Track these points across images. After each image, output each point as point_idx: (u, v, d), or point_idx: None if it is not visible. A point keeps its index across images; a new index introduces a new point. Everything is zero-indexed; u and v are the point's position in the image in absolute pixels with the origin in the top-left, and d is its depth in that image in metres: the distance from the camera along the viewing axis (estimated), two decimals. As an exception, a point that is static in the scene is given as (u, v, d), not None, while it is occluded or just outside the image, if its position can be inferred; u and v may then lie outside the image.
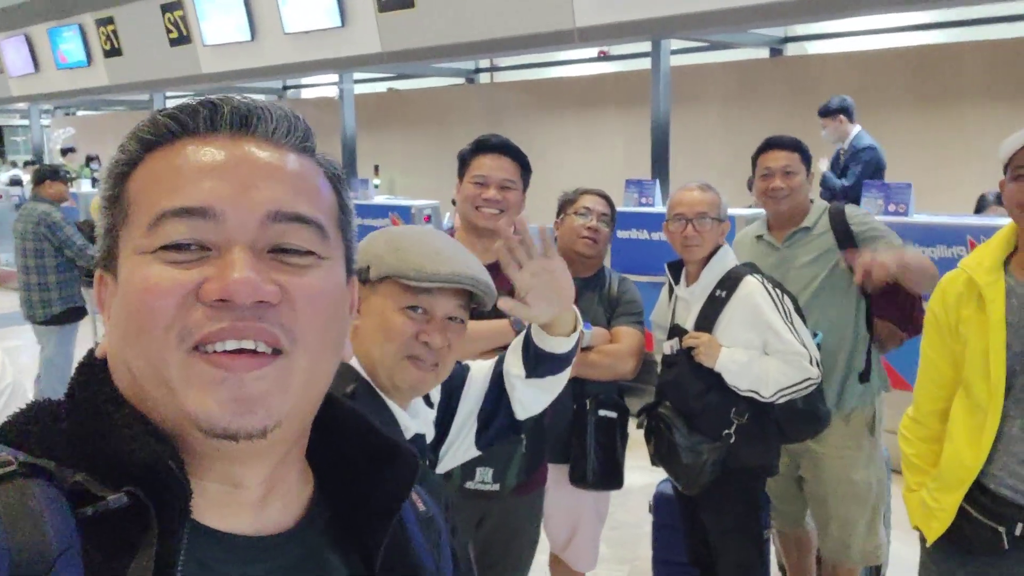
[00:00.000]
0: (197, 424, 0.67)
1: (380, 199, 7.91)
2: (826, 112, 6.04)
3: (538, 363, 1.70)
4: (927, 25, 8.18)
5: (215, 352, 0.66)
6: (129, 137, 0.74)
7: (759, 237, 3.21)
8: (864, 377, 3.09)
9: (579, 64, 10.80)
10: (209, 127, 0.72)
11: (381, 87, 12.38)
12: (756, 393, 2.67)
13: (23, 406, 0.72)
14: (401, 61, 6.71)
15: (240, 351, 0.67)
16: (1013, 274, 2.10)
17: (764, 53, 9.05)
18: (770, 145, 3.17)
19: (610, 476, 2.91)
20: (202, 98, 0.73)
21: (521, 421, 1.79)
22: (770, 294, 2.69)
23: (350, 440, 0.81)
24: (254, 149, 0.72)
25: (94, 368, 0.73)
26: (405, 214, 7.22)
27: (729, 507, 2.84)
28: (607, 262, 3.08)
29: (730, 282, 2.74)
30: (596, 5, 5.44)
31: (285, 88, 12.66)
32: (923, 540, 2.27)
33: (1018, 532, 2.06)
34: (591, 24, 5.52)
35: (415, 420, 1.57)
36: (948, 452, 2.20)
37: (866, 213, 3.26)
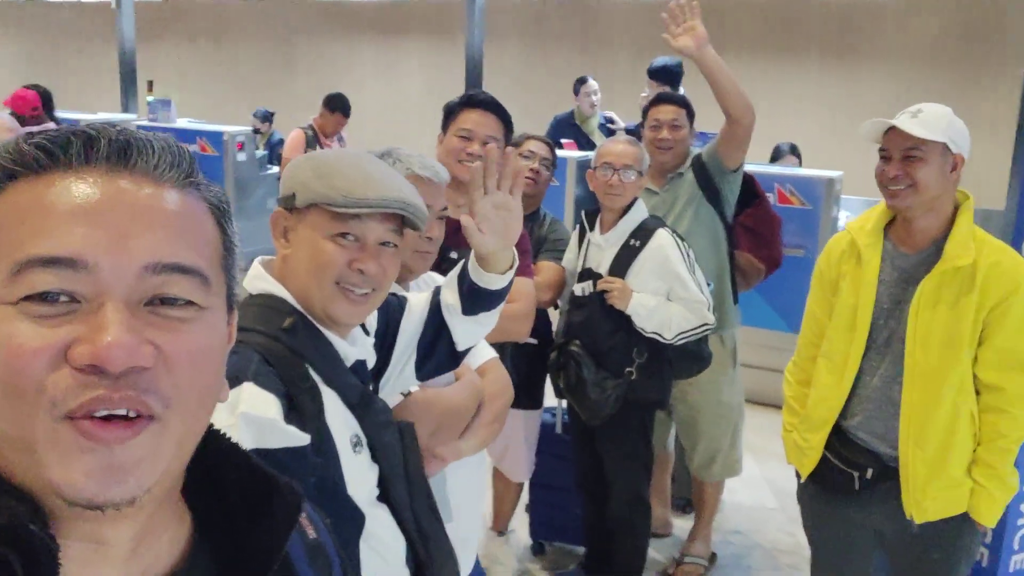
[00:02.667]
0: (60, 494, 0.63)
1: (184, 122, 7.47)
2: (655, 75, 5.65)
3: (471, 297, 1.72)
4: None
5: (84, 418, 0.62)
6: None
7: None
8: (735, 299, 3.50)
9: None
10: (82, 160, 0.66)
11: (155, -5, 11.52)
12: (659, 335, 2.95)
13: None
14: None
15: (110, 416, 0.62)
16: (891, 239, 2.37)
17: (563, -6, 9.36)
18: (661, 99, 3.46)
19: (525, 396, 3.18)
20: (76, 128, 0.67)
21: (460, 352, 1.81)
22: (679, 247, 2.96)
23: (228, 476, 0.77)
24: (132, 188, 0.66)
25: None
26: (216, 140, 6.89)
27: (625, 437, 3.13)
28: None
29: (643, 233, 2.98)
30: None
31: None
32: (798, 476, 2.57)
33: (869, 476, 2.37)
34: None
35: (354, 348, 1.56)
36: (813, 395, 2.48)
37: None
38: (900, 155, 2.22)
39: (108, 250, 0.63)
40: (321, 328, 1.49)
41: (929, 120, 2.21)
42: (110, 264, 0.63)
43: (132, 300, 0.64)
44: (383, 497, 1.50)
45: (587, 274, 3.06)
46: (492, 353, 2.13)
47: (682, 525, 3.96)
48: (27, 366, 0.61)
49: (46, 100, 6.40)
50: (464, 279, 1.72)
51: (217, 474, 0.77)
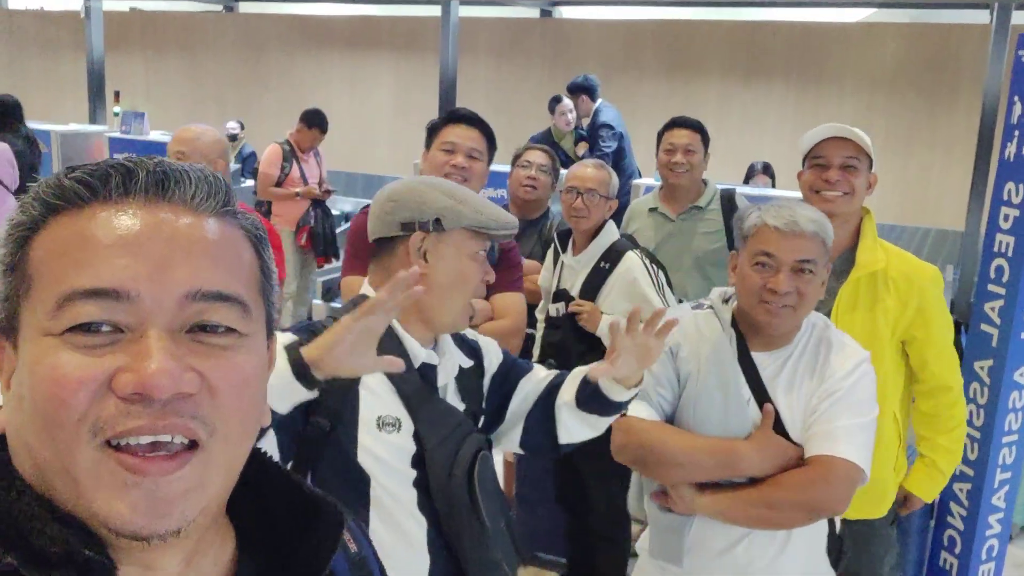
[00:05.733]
0: (106, 525, 0.64)
1: (156, 135, 7.44)
2: (573, 89, 6.45)
3: (591, 400, 1.73)
4: (677, 1, 8.97)
5: (128, 447, 0.63)
6: (31, 198, 0.68)
7: (652, 209, 3.56)
8: None
9: (337, 4, 10.61)
10: (121, 192, 0.67)
11: (123, 5, 11.44)
12: None
13: None
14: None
15: (155, 444, 0.63)
16: None
17: (534, 13, 9.47)
18: (675, 124, 3.53)
19: None
20: (114, 161, 0.68)
21: (561, 444, 1.82)
22: (647, 268, 3.03)
23: (271, 494, 0.78)
24: (171, 217, 0.67)
25: None
26: (189, 153, 6.84)
27: (604, 453, 3.21)
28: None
29: (613, 255, 3.07)
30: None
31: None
32: None
33: None
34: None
35: (427, 351, 1.67)
36: None
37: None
38: (839, 163, 2.38)
39: (149, 280, 0.64)
40: (398, 328, 1.63)
41: (863, 137, 2.40)
42: (151, 294, 0.64)
43: (174, 328, 0.65)
44: (420, 484, 1.61)
45: (561, 295, 3.14)
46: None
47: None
48: (71, 396, 0.62)
49: (15, 110, 6.34)
50: (589, 382, 1.74)
51: (259, 491, 0.78)
